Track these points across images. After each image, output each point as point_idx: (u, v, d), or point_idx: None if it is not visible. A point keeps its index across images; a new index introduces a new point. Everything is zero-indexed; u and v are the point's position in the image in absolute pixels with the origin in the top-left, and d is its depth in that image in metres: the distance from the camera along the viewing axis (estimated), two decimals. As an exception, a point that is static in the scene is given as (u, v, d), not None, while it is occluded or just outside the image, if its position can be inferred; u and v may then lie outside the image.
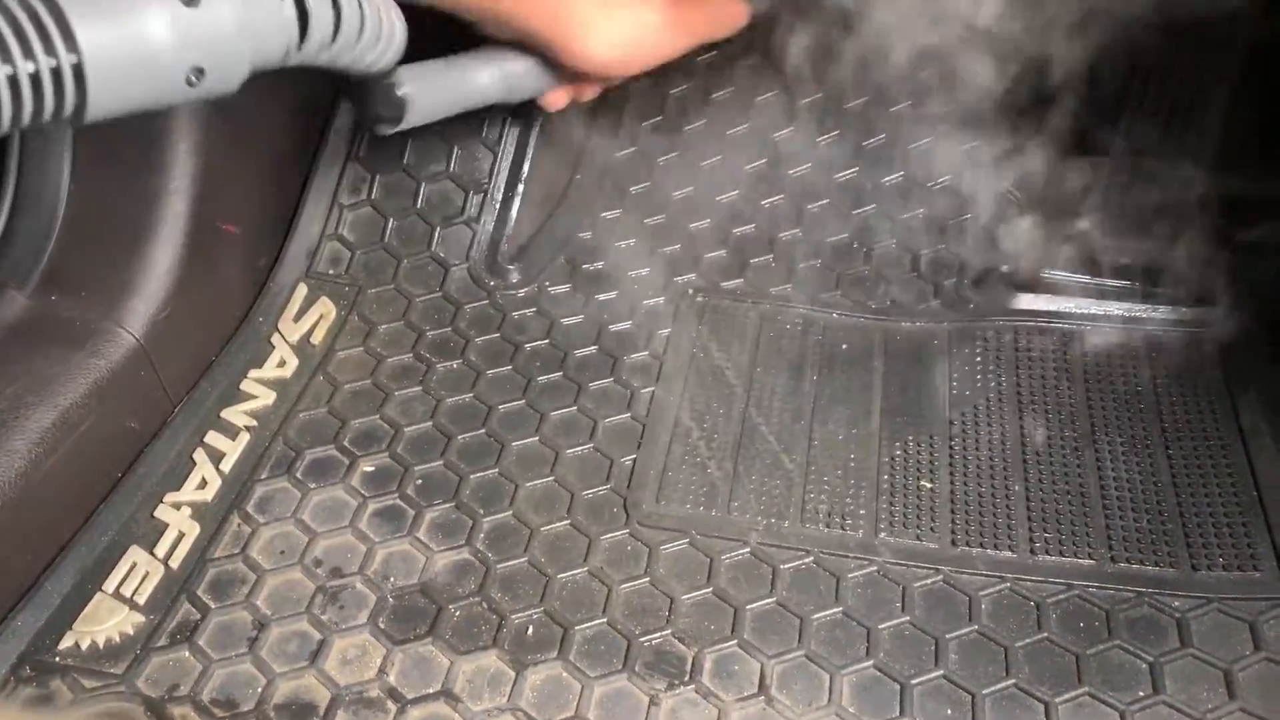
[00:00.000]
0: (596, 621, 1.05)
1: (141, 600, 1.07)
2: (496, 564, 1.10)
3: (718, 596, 1.07)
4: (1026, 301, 1.37)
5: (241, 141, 1.32)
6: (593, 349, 1.35)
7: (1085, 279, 1.38)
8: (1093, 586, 1.07)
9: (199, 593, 1.07)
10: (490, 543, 1.12)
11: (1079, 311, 1.36)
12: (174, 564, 1.10)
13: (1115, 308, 1.36)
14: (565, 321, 1.38)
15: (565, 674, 1.00)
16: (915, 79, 1.44)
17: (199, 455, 1.20)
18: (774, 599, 1.07)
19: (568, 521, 1.14)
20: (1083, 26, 1.28)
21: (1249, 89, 1.34)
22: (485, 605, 1.06)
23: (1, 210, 1.21)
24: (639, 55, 1.17)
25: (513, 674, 1.00)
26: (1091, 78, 1.36)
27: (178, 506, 1.15)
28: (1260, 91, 1.34)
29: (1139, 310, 1.35)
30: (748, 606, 1.06)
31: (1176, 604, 1.05)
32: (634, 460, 1.21)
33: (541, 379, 1.31)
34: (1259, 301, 1.31)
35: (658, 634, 1.03)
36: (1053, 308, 1.37)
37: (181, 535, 1.12)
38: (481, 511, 1.15)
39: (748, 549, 1.11)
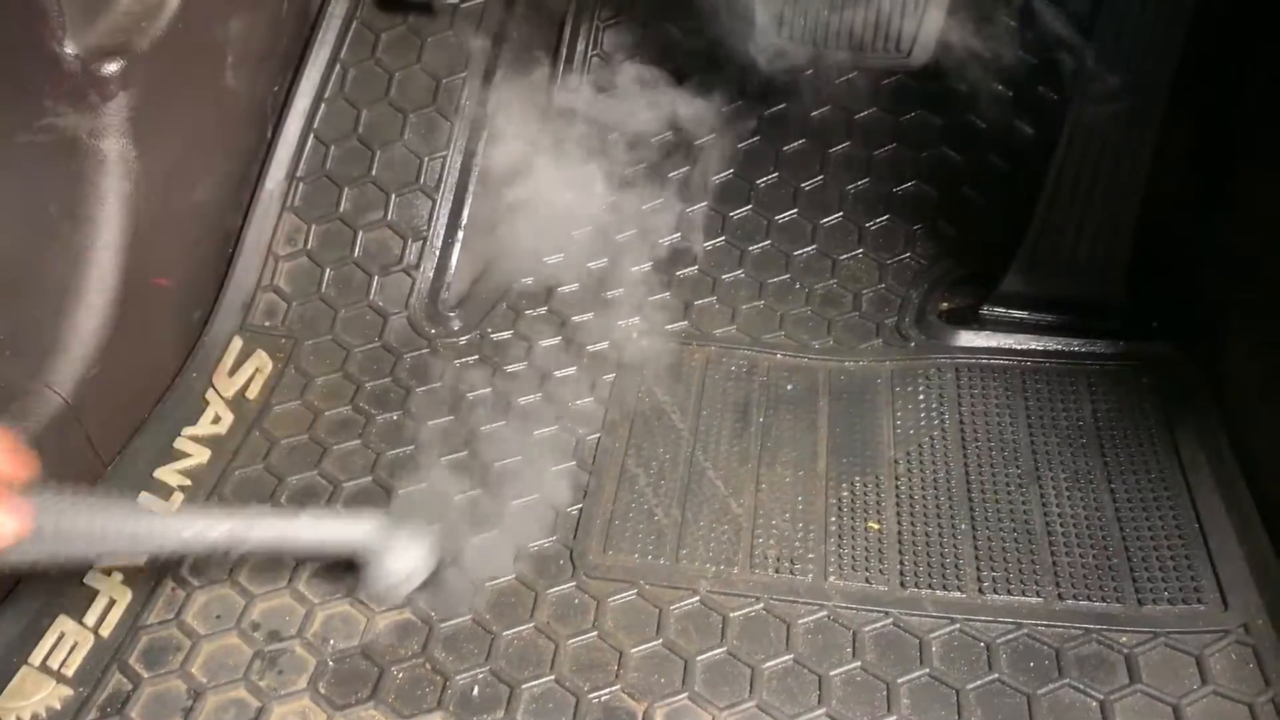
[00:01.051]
0: (544, 679, 1.02)
1: (70, 672, 1.03)
2: (439, 623, 1.07)
3: (667, 648, 1.05)
4: (968, 339, 1.38)
5: (173, 193, 1.29)
6: (536, 396, 1.33)
7: (1025, 314, 1.39)
8: (1041, 625, 1.06)
9: (131, 662, 1.03)
10: (433, 601, 1.09)
11: (1019, 348, 1.37)
12: (104, 632, 1.06)
13: (1056, 343, 1.37)
14: (508, 368, 1.37)
15: (513, 735, 0.98)
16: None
17: (131, 518, 1.16)
18: (725, 648, 1.05)
19: (513, 576, 1.12)
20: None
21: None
22: (429, 666, 1.03)
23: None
24: None
25: (460, 737, 0.97)
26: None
27: (109, 572, 1.11)
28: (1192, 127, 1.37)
29: (1079, 345, 1.36)
30: (698, 657, 1.04)
31: (1124, 639, 1.05)
32: (580, 510, 1.19)
33: (485, 429, 1.29)
34: (1195, 334, 1.33)
35: (607, 689, 1.01)
36: (994, 344, 1.37)
37: (113, 602, 1.08)
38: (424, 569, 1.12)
39: (697, 598, 1.10)
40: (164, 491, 1.19)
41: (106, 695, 1.01)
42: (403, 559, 1.05)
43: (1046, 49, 1.51)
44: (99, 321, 1.23)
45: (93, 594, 1.09)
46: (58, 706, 1.00)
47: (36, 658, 1.03)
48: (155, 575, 1.11)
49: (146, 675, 1.02)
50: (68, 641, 1.05)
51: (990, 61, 1.54)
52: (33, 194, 1.21)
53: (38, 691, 1.01)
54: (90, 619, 1.07)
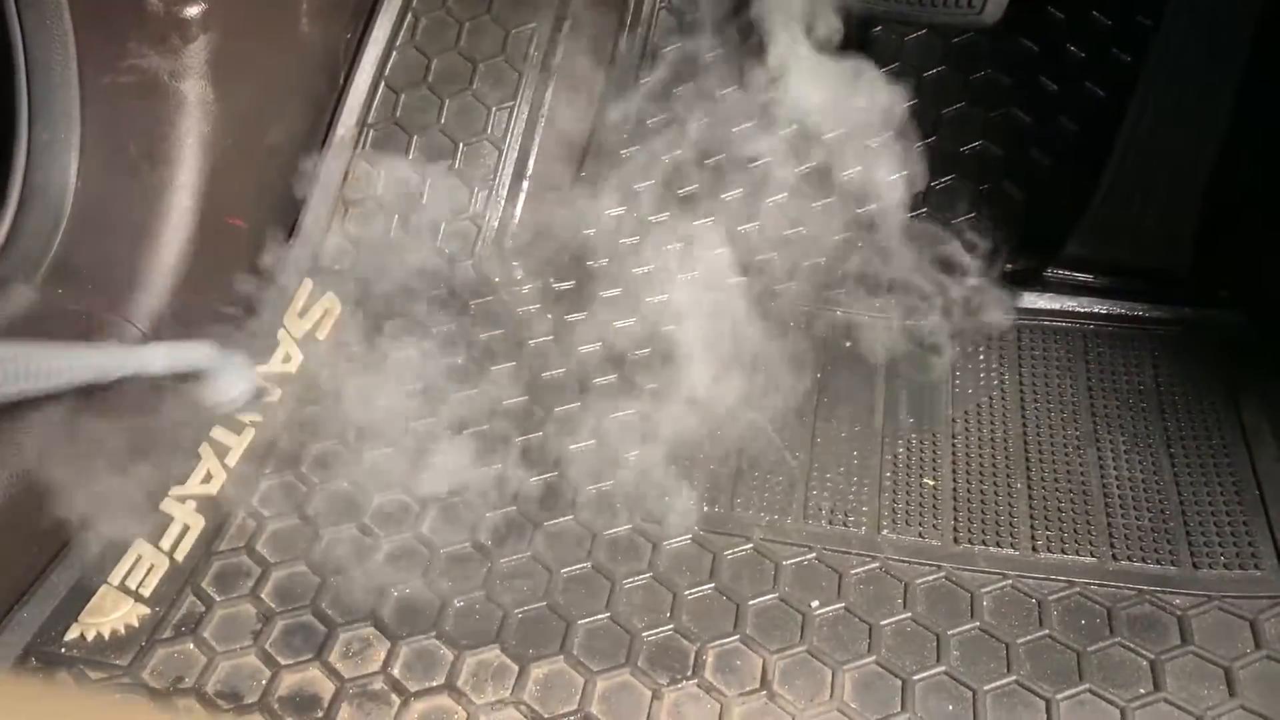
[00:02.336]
0: (600, 616, 1.05)
1: (147, 593, 1.07)
2: (500, 559, 1.10)
3: (720, 592, 1.07)
4: (1030, 300, 1.37)
5: (248, 136, 1.32)
6: (597, 345, 1.35)
7: (1089, 278, 1.38)
8: (1094, 584, 1.07)
9: (204, 585, 1.08)
10: (494, 538, 1.12)
11: (1083, 310, 1.36)
12: (179, 557, 1.11)
13: (1120, 307, 1.36)
14: (569, 318, 1.39)
15: (568, 668, 1.01)
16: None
17: (205, 450, 1.20)
18: (776, 595, 1.07)
19: (571, 517, 1.15)
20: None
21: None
22: (489, 600, 1.06)
23: (9, 205, 1.21)
24: None
25: (516, 668, 1.00)
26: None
27: (183, 500, 1.15)
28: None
29: (1143, 310, 1.35)
30: (750, 602, 1.06)
31: (1178, 602, 1.05)
32: (638, 457, 1.21)
33: (546, 375, 1.31)
34: (1263, 303, 1.31)
35: (661, 629, 1.04)
36: (1056, 306, 1.37)
37: (186, 529, 1.13)
38: (485, 507, 1.15)
39: (751, 545, 1.12)
40: (235, 427, 1.23)
41: (181, 615, 1.05)
42: (234, 382, 1.11)
43: (1122, 11, 1.49)
44: (175, 258, 1.27)
45: (168, 520, 1.14)
46: (135, 624, 1.04)
47: (116, 577, 1.08)
48: (228, 505, 1.15)
49: (219, 599, 1.07)
50: (145, 564, 1.10)
51: (1064, 22, 1.52)
52: (114, 133, 1.24)
53: (117, 609, 1.05)
54: (166, 543, 1.11)
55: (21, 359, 0.91)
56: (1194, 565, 1.08)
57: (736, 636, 1.03)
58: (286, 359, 1.31)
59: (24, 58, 1.18)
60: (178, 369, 1.09)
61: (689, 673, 1.00)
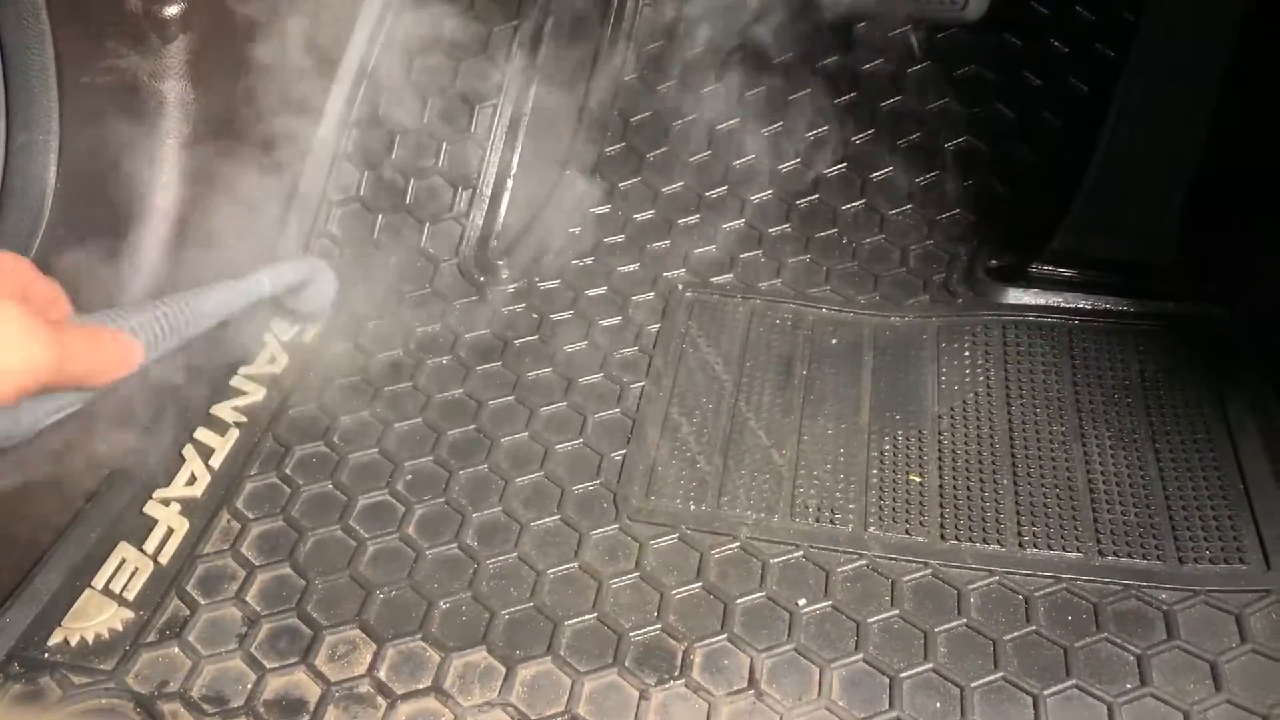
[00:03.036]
0: (587, 616, 1.05)
1: (131, 596, 1.06)
2: (486, 560, 1.10)
3: (707, 591, 1.07)
4: (1015, 296, 1.37)
5: (229, 136, 1.32)
6: (582, 344, 1.35)
7: (1074, 273, 1.38)
8: (1081, 580, 1.07)
9: (188, 588, 1.07)
10: (480, 538, 1.12)
11: (1068, 306, 1.36)
12: (163, 560, 1.10)
13: (1105, 302, 1.36)
14: (554, 317, 1.38)
15: (555, 669, 1.00)
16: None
17: (188, 451, 1.19)
18: (764, 593, 1.07)
19: (557, 517, 1.14)
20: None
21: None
22: (476, 601, 1.06)
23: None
24: None
25: (503, 669, 1.00)
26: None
27: (166, 503, 1.15)
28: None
29: (1128, 305, 1.35)
30: (737, 601, 1.06)
31: (1164, 596, 1.05)
32: (624, 455, 1.21)
33: (531, 375, 1.31)
34: (1248, 298, 1.32)
35: (648, 629, 1.04)
36: (1041, 302, 1.37)
37: (171, 531, 1.12)
38: (471, 507, 1.15)
39: (737, 544, 1.11)
40: (220, 427, 1.23)
41: (165, 619, 1.04)
42: (325, 290, 1.09)
43: (1105, 6, 1.50)
44: (157, 260, 1.26)
45: (151, 523, 1.13)
46: (119, 628, 1.03)
47: (99, 581, 1.07)
48: (212, 507, 1.14)
49: (203, 602, 1.06)
50: (128, 567, 1.09)
51: (1047, 17, 1.52)
52: (94, 135, 1.23)
53: (100, 613, 1.04)
54: (150, 546, 1.11)
55: (178, 309, 0.92)
56: (1180, 560, 1.08)
57: (724, 636, 1.03)
58: (272, 360, 1.31)
59: (1, 57, 1.17)
60: (288, 286, 1.08)
61: (676, 673, 1.00)
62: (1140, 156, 1.35)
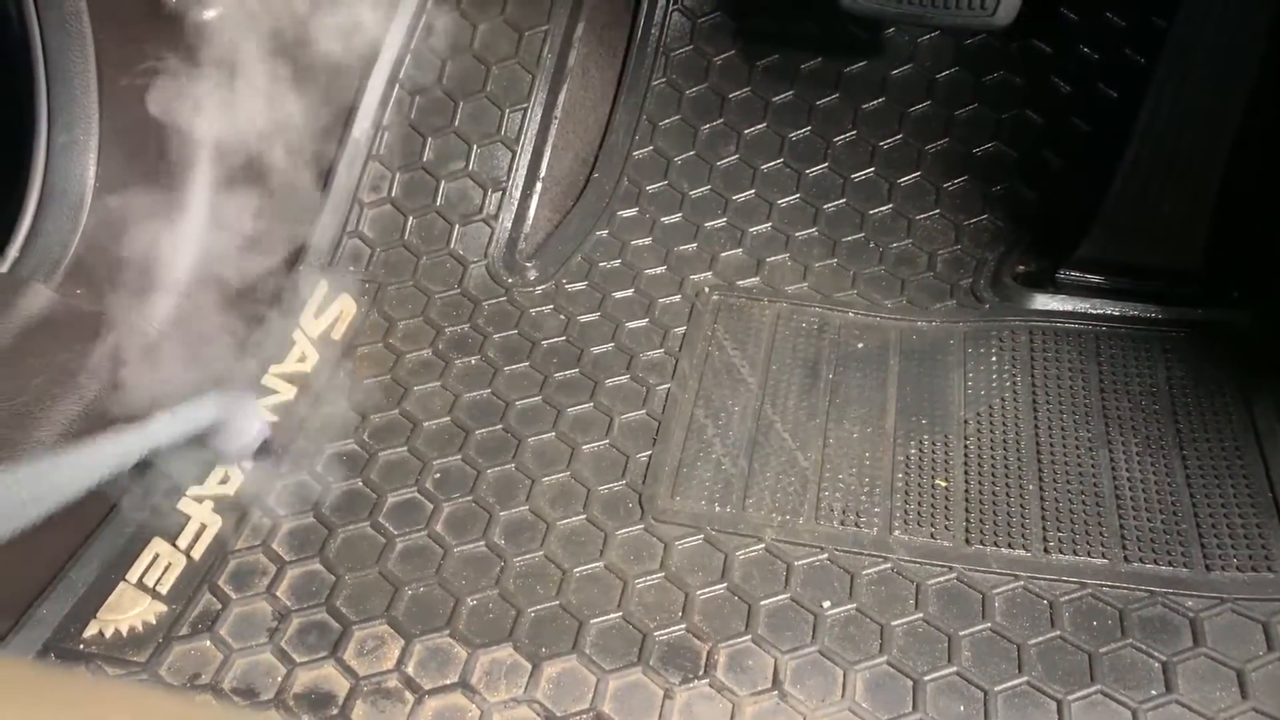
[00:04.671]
0: (612, 615, 1.06)
1: (164, 590, 1.08)
2: (513, 558, 1.11)
3: (732, 592, 1.08)
4: (1042, 302, 1.37)
5: (263, 138, 1.34)
6: (609, 346, 1.36)
7: (1101, 279, 1.38)
8: (1106, 586, 1.07)
9: (220, 583, 1.09)
10: (507, 536, 1.13)
11: (1095, 312, 1.36)
12: (195, 555, 1.12)
13: (1132, 308, 1.36)
14: (582, 319, 1.39)
15: (581, 667, 1.01)
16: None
17: (221, 449, 1.21)
18: (788, 595, 1.07)
19: (584, 516, 1.15)
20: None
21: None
22: (502, 599, 1.07)
23: (29, 206, 1.23)
24: None
25: (529, 666, 1.01)
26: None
27: (200, 500, 1.16)
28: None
29: (1155, 311, 1.35)
30: (762, 602, 1.07)
31: (1190, 604, 1.05)
32: (649, 456, 1.22)
33: (558, 375, 1.32)
34: (1276, 304, 1.31)
35: (673, 628, 1.04)
36: (1068, 308, 1.37)
37: (204, 527, 1.14)
38: (498, 506, 1.16)
39: (762, 545, 1.12)
40: (252, 425, 1.24)
41: (197, 613, 1.06)
42: (245, 425, 1.13)
43: (1136, 12, 1.49)
44: (191, 260, 1.28)
45: (185, 519, 1.15)
46: (153, 621, 1.05)
47: (133, 575, 1.09)
48: (244, 505, 1.16)
49: (235, 596, 1.07)
50: (162, 562, 1.11)
51: (1077, 23, 1.52)
52: (132, 135, 1.26)
53: (134, 606, 1.06)
54: (183, 542, 1.12)
55: (38, 478, 0.91)
56: (1206, 567, 1.08)
57: (748, 636, 1.04)
58: (302, 358, 1.32)
59: (44, 60, 1.19)
60: (188, 433, 1.08)
61: (701, 672, 1.01)
62: (1168, 163, 1.34)
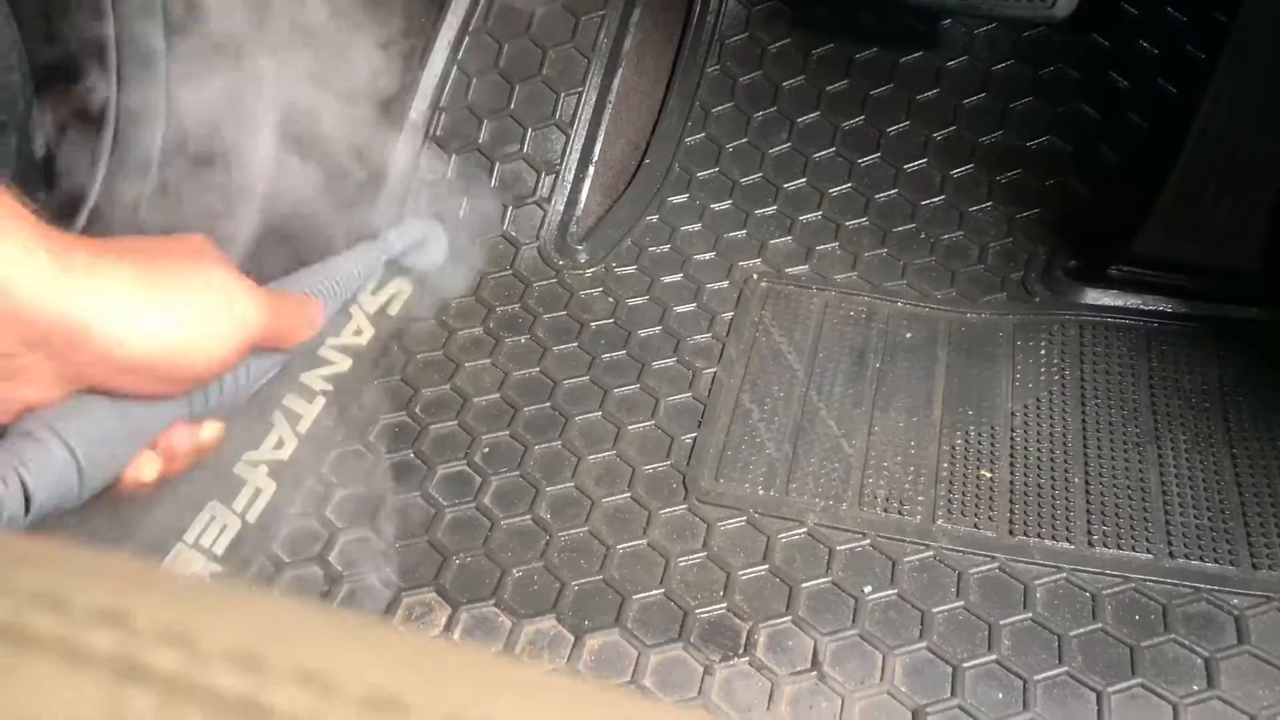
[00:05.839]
0: (654, 592, 1.07)
1: (219, 552, 1.11)
2: (558, 532, 1.13)
3: (773, 574, 1.09)
4: (1094, 297, 1.37)
5: (320, 118, 1.36)
6: (656, 329, 1.37)
7: (1155, 275, 1.37)
8: (1150, 580, 1.07)
9: (274, 548, 1.12)
10: (553, 511, 1.15)
11: (1148, 308, 1.35)
12: (251, 519, 1.14)
13: (1185, 305, 1.35)
14: (630, 302, 1.41)
15: (623, 640, 1.03)
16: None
17: (277, 417, 1.24)
18: (829, 579, 1.08)
19: (628, 495, 1.17)
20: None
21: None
22: (547, 571, 1.09)
23: (97, 173, 1.26)
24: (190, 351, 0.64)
25: (571, 638, 1.03)
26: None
27: (255, 465, 1.19)
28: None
29: (1209, 308, 1.34)
30: (803, 585, 1.08)
31: (1235, 601, 1.04)
32: (694, 439, 1.23)
33: (606, 357, 1.33)
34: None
35: (714, 607, 1.06)
36: (1120, 303, 1.36)
37: (259, 491, 1.16)
38: (545, 481, 1.18)
39: (804, 529, 1.13)
40: (307, 395, 1.27)
41: (251, 575, 1.09)
42: (439, 247, 1.20)
43: (1197, 8, 1.48)
44: (251, 234, 1.31)
45: (240, 483, 1.17)
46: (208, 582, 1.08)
47: (190, 536, 1.12)
48: (298, 471, 1.19)
49: (288, 560, 1.10)
50: (218, 524, 1.13)
51: (1136, 18, 1.51)
52: (198, 104, 1.29)
53: (190, 567, 1.09)
54: (239, 505, 1.15)
55: (327, 277, 1.00)
56: (1253, 566, 1.07)
57: (788, 618, 1.05)
58: (358, 332, 1.35)
59: (114, 26, 1.22)
60: (410, 245, 1.18)
61: (741, 651, 1.02)
62: (1227, 160, 1.33)
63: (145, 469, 0.70)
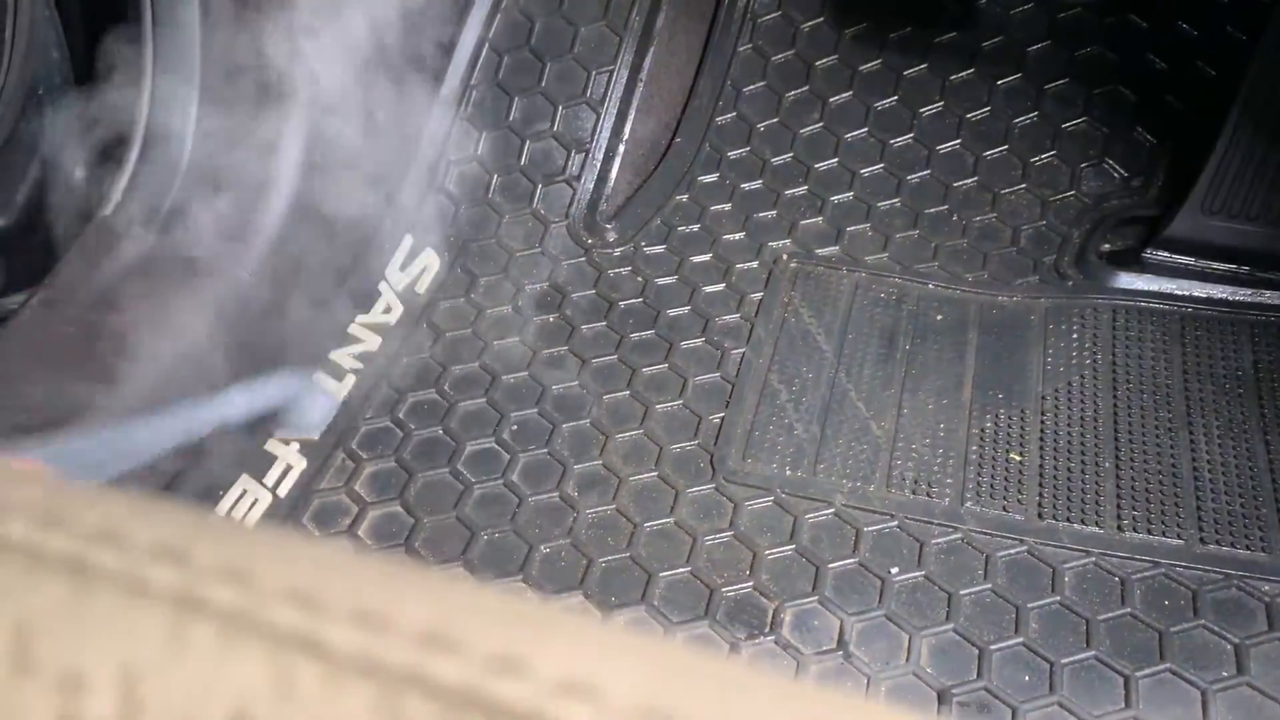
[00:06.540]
0: (680, 570, 1.08)
1: (250, 524, 1.12)
2: (586, 510, 1.13)
3: (800, 554, 1.09)
4: (1127, 281, 1.35)
5: (353, 96, 1.37)
6: (685, 309, 1.37)
7: (1189, 260, 1.35)
8: (1180, 566, 1.06)
9: (304, 521, 1.13)
10: (580, 489, 1.15)
11: (1181, 293, 1.34)
12: (281, 492, 1.16)
13: (1220, 290, 1.33)
14: (659, 281, 1.41)
15: (649, 617, 1.03)
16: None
17: (308, 393, 1.25)
18: (856, 559, 1.08)
19: (655, 473, 1.17)
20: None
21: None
22: (574, 547, 1.10)
23: (132, 151, 1.27)
24: None
25: (599, 615, 1.04)
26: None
27: (286, 441, 1.20)
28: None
29: (1244, 294, 1.32)
30: (830, 565, 1.08)
31: (1266, 588, 1.04)
32: (722, 418, 1.23)
33: (634, 336, 1.33)
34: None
35: (740, 585, 1.06)
36: (1154, 288, 1.35)
37: (289, 467, 1.18)
38: (572, 459, 1.18)
39: (832, 510, 1.13)
40: (337, 372, 1.28)
41: (282, 548, 1.10)
42: (312, 409, 1.19)
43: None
44: (283, 210, 1.32)
45: (271, 459, 1.19)
46: (240, 553, 1.09)
47: (222, 508, 1.13)
48: (328, 447, 1.20)
49: (318, 534, 1.11)
50: (249, 498, 1.15)
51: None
52: (231, 82, 1.29)
53: (223, 539, 1.11)
54: (269, 479, 1.17)
55: (110, 444, 0.93)
56: (1285, 553, 1.06)
57: (815, 597, 1.05)
58: (387, 310, 1.36)
59: (151, 6, 1.23)
60: (257, 412, 1.11)
61: (767, 629, 1.02)
62: (1265, 144, 1.31)
63: None
